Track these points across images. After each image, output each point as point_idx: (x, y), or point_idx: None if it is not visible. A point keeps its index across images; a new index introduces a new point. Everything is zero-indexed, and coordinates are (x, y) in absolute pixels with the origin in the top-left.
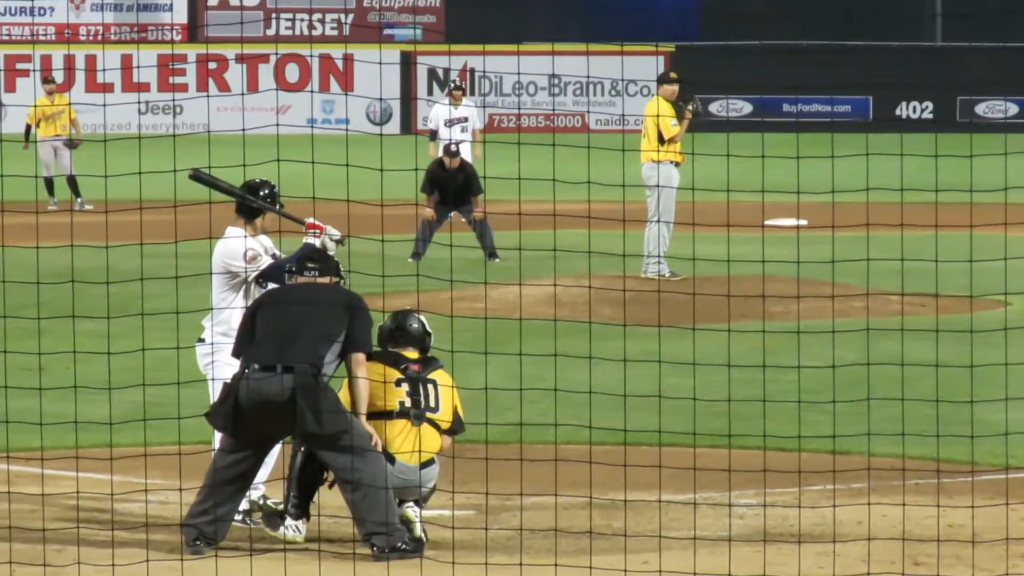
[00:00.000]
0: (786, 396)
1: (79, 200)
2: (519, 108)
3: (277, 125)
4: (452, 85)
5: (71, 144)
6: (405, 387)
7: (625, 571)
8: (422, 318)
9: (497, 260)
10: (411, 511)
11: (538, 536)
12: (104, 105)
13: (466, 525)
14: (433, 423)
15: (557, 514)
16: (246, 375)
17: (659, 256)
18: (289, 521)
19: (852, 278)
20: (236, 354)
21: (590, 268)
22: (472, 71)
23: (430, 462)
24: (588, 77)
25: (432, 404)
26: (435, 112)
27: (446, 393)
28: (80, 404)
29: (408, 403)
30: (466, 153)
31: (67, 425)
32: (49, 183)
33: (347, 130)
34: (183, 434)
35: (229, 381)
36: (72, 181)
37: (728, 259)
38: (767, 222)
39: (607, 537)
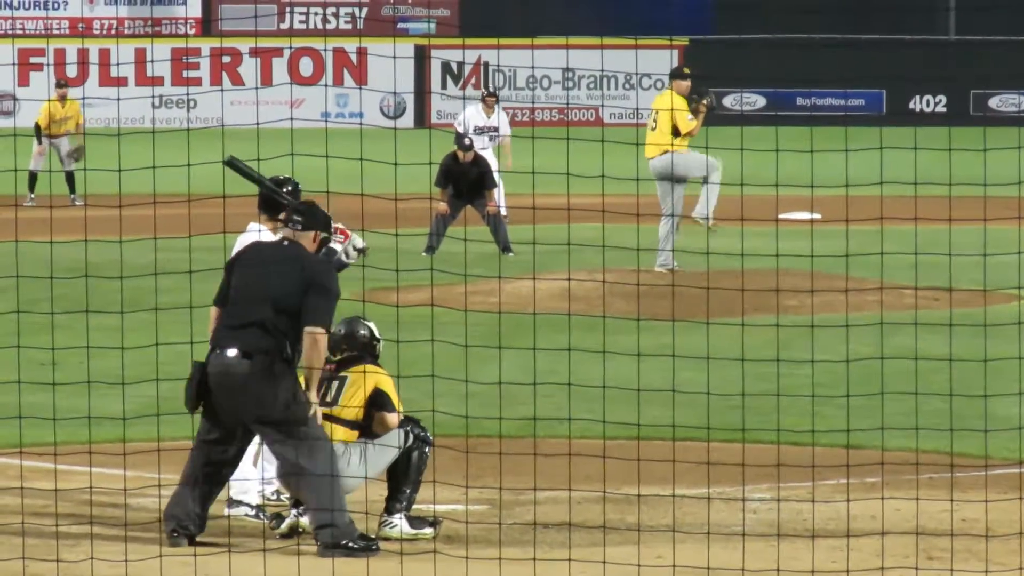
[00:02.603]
0: (800, 390)
1: (72, 196)
2: (533, 102)
3: (291, 119)
4: (485, 92)
5: (76, 156)
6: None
7: (639, 565)
8: (371, 325)
9: (511, 254)
10: (391, 529)
11: (552, 530)
12: (118, 99)
13: (480, 519)
14: (331, 417)
15: (571, 508)
16: (210, 356)
17: (670, 248)
18: (293, 510)
19: (866, 272)
20: (217, 302)
21: (604, 262)
22: (486, 65)
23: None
24: (602, 71)
25: (329, 399)
26: (468, 116)
27: (353, 388)
28: (94, 399)
29: None
30: (491, 159)
31: (81, 420)
32: (33, 177)
33: (361, 124)
34: (196, 429)
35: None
36: (70, 177)
37: (742, 253)
38: (781, 216)
39: (621, 531)
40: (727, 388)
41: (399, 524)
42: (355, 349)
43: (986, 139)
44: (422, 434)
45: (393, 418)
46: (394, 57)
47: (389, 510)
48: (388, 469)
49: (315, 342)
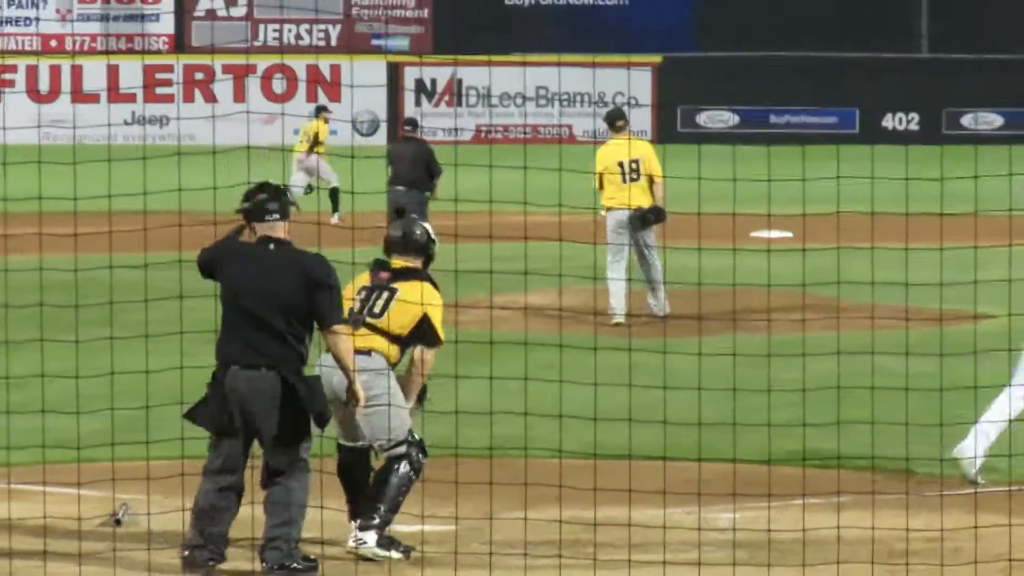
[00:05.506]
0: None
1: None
2: (505, 120)
3: (284, 140)
4: None
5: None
6: (362, 294)
7: None
8: (427, 226)
9: None
10: (360, 546)
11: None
12: (108, 120)
13: (440, 541)
14: (373, 327)
15: (527, 529)
16: (227, 373)
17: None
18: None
19: (852, 293)
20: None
21: (560, 282)
22: (460, 82)
23: (364, 352)
24: (577, 91)
25: (376, 310)
26: None
27: (402, 304)
28: (60, 419)
29: (356, 308)
30: None
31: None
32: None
33: (317, 144)
34: (151, 451)
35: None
36: (334, 193)
37: (733, 270)
38: (752, 234)
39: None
40: (687, 410)
41: (368, 542)
42: (411, 250)
43: (977, 159)
44: (415, 457)
45: (431, 357)
46: (353, 80)
47: (362, 526)
48: (373, 481)
49: (338, 340)
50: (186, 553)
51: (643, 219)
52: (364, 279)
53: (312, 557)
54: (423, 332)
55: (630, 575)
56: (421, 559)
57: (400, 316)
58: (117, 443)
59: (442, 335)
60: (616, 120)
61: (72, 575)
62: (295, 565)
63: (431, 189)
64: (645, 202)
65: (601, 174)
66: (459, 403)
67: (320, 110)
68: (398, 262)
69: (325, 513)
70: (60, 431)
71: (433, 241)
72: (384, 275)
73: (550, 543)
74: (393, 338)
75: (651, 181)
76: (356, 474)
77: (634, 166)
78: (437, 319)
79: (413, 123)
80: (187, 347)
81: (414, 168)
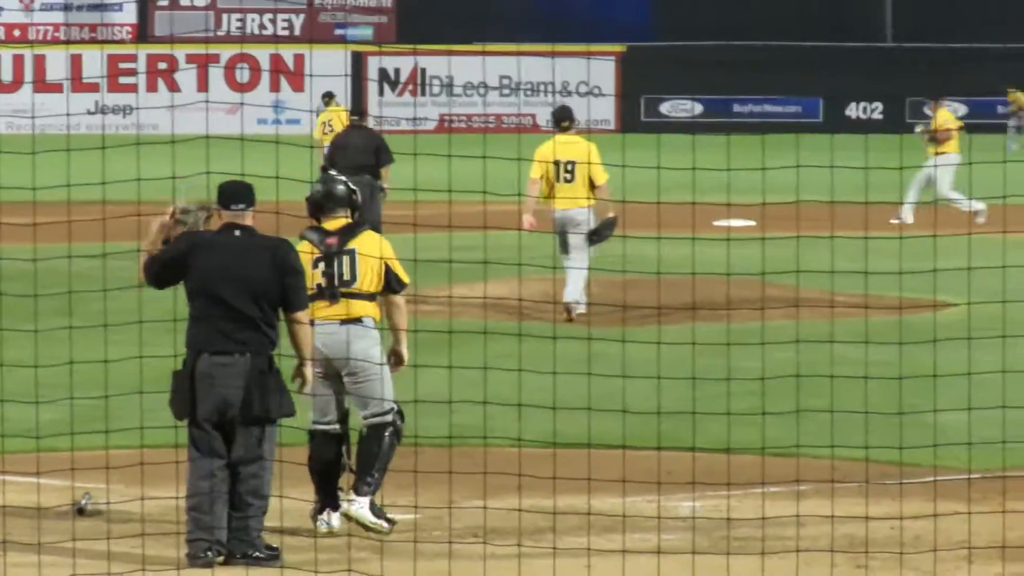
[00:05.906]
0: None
1: None
2: (468, 109)
3: (244, 131)
4: None
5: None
6: (322, 266)
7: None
8: (341, 178)
9: None
10: (357, 509)
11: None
12: (68, 109)
13: (398, 529)
14: (353, 294)
15: (484, 518)
16: (199, 359)
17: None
18: (321, 516)
19: (812, 281)
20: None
21: (520, 271)
22: (423, 71)
23: (356, 321)
24: (540, 80)
25: (347, 277)
26: None
27: (365, 260)
28: (19, 408)
29: (324, 283)
30: None
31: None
32: None
33: (276, 135)
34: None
35: (181, 368)
36: None
37: (692, 259)
38: (716, 223)
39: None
40: (647, 399)
41: (364, 506)
42: (340, 205)
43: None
44: (399, 425)
45: (402, 301)
46: (305, 70)
47: (357, 490)
48: (358, 450)
49: (300, 328)
50: (188, 550)
51: (592, 241)
52: (308, 250)
53: (274, 546)
54: (388, 280)
55: (590, 563)
56: (381, 548)
57: (370, 274)
58: (76, 432)
59: (405, 277)
60: (561, 121)
61: (31, 564)
62: (257, 554)
63: (380, 177)
64: (579, 202)
65: (540, 169)
66: (418, 392)
67: (328, 97)
68: (332, 222)
69: (286, 502)
70: (19, 421)
71: (355, 191)
72: (332, 241)
73: (510, 531)
74: (370, 297)
75: (592, 184)
76: (330, 466)
77: (569, 167)
78: (396, 262)
79: (361, 112)
80: (146, 337)
81: (363, 155)
